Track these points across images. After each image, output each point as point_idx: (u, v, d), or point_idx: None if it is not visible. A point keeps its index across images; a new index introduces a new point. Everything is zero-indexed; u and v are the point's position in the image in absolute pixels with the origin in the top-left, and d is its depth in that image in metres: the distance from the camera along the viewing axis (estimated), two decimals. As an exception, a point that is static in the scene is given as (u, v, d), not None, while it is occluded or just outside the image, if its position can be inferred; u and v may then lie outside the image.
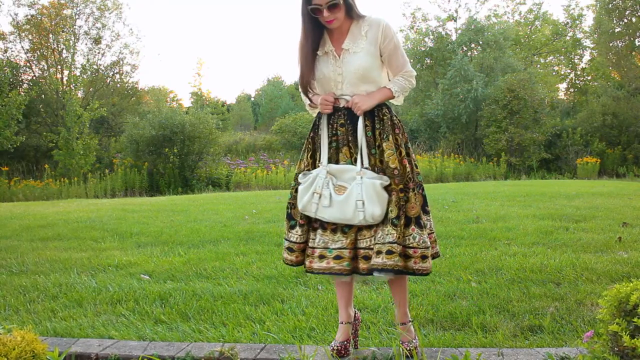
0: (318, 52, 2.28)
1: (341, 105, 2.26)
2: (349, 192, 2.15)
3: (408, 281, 2.46)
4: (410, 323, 2.35)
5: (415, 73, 2.35)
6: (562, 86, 25.96)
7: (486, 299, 2.96)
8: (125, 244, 4.84)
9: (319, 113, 2.34)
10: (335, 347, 2.27)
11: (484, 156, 17.08)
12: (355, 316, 2.40)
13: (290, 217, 2.32)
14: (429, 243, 2.16)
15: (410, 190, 2.18)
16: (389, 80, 2.32)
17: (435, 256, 2.30)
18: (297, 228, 2.28)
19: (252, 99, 35.41)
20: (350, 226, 2.18)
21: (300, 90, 2.40)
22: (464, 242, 4.45)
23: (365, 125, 2.22)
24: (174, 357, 2.34)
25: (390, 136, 2.22)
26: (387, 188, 2.16)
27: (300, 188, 2.25)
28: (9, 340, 1.90)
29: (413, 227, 2.15)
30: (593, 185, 10.10)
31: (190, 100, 29.95)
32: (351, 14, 2.24)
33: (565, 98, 24.88)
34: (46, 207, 8.10)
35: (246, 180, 14.41)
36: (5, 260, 4.26)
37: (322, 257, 2.19)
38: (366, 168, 2.18)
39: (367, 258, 2.15)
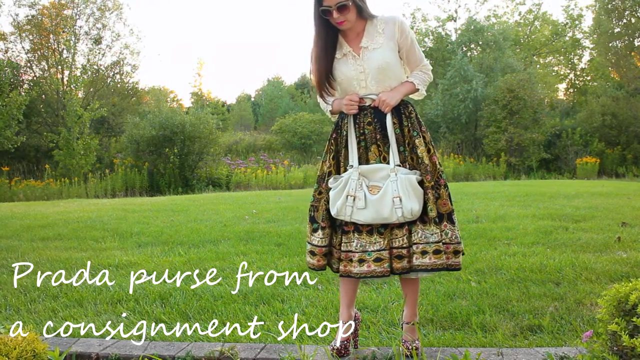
0: (336, 56, 2.27)
1: (367, 104, 2.24)
2: (383, 190, 2.13)
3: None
4: (417, 324, 2.35)
5: (431, 67, 2.37)
6: (562, 86, 26.00)
7: (486, 298, 2.96)
8: (126, 243, 4.85)
9: (341, 114, 2.32)
10: (335, 347, 2.27)
11: (484, 156, 17.09)
12: (355, 316, 2.41)
13: (313, 220, 2.29)
14: (459, 238, 2.20)
15: (442, 186, 2.20)
16: (407, 77, 2.34)
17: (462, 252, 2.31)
18: (320, 231, 2.25)
19: (252, 99, 35.40)
20: (385, 226, 2.17)
21: (317, 94, 2.37)
22: (463, 242, 4.45)
23: (393, 124, 2.22)
24: (174, 357, 2.35)
25: (419, 133, 2.24)
26: (421, 185, 2.17)
27: (332, 193, 2.21)
28: (9, 339, 1.91)
29: (445, 223, 2.18)
30: (592, 185, 10.11)
31: (190, 100, 30.00)
32: (363, 14, 2.24)
33: (564, 98, 24.90)
34: (47, 207, 8.11)
35: (246, 180, 14.41)
36: (5, 260, 4.26)
37: (362, 260, 2.16)
38: (398, 165, 2.17)
39: (401, 257, 2.16)
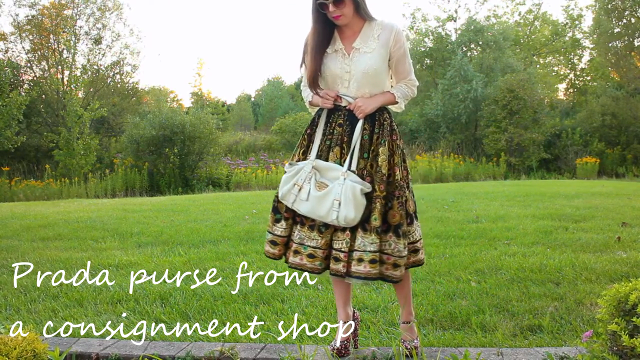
0: (328, 50, 2.27)
1: (342, 105, 2.25)
2: (328, 190, 2.14)
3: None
4: (413, 323, 2.35)
5: (417, 84, 2.37)
6: (562, 86, 26.00)
7: (486, 298, 2.96)
8: (126, 243, 4.85)
9: (318, 110, 2.34)
10: (335, 347, 2.27)
11: (484, 156, 17.09)
12: (354, 316, 2.41)
13: (276, 210, 2.32)
14: (404, 252, 2.15)
15: (395, 198, 2.16)
16: (391, 87, 2.33)
17: (416, 264, 2.30)
18: (282, 222, 2.28)
19: (252, 99, 35.40)
20: (327, 226, 2.17)
21: (305, 85, 2.39)
22: (463, 242, 4.46)
23: (364, 129, 2.21)
24: (174, 357, 2.35)
25: (387, 141, 2.21)
26: (370, 195, 2.15)
27: (283, 177, 2.26)
28: (10, 339, 1.91)
29: (391, 234, 2.14)
30: (592, 185, 10.11)
31: (190, 100, 29.99)
32: (360, 12, 2.24)
33: (564, 98, 24.91)
34: (47, 207, 8.11)
35: (246, 180, 14.41)
36: (5, 260, 4.26)
37: (296, 252, 2.21)
38: (352, 171, 2.16)
39: (337, 259, 2.14)
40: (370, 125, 2.23)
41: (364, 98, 2.22)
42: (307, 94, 2.39)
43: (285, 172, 2.27)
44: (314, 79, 2.28)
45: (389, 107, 2.33)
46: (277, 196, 2.32)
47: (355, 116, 2.22)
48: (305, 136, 2.33)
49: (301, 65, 2.38)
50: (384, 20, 2.27)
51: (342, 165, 2.19)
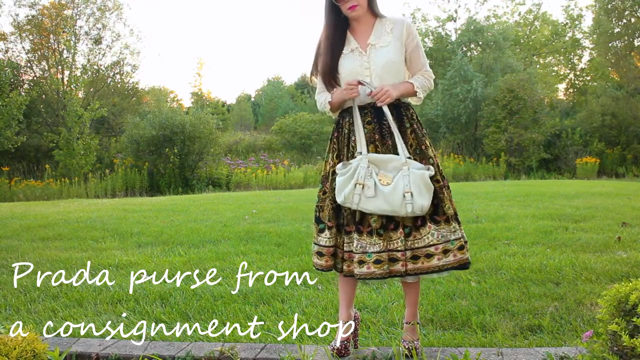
0: (344, 51, 2.26)
1: (367, 92, 2.19)
2: (394, 184, 2.10)
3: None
4: (418, 325, 2.35)
5: (434, 76, 2.35)
6: (562, 86, 26.00)
7: (486, 298, 2.96)
8: (126, 243, 4.85)
9: (342, 113, 2.32)
10: (335, 347, 2.27)
11: (484, 156, 17.09)
12: (355, 316, 2.41)
13: (319, 220, 2.27)
14: (463, 235, 2.20)
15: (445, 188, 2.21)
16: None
17: (431, 270, 2.25)
18: (326, 231, 2.23)
19: (252, 99, 35.39)
20: (385, 228, 2.14)
21: (320, 91, 2.34)
22: (463, 242, 4.46)
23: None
24: (174, 357, 2.35)
25: (421, 134, 2.24)
26: (438, 186, 2.17)
27: (339, 180, 2.16)
28: (9, 339, 1.91)
29: (453, 223, 2.20)
30: (592, 185, 10.11)
31: (190, 100, 29.98)
32: (374, 8, 2.26)
33: (564, 98, 24.90)
34: (47, 207, 8.11)
35: (246, 180, 14.41)
36: (5, 260, 4.26)
37: (361, 262, 2.13)
38: (409, 158, 2.15)
39: (395, 260, 2.13)
40: (398, 120, 2.22)
41: (387, 88, 2.16)
42: (324, 98, 2.32)
43: (338, 174, 2.18)
44: (332, 80, 2.26)
45: (409, 99, 2.32)
46: (318, 206, 2.27)
47: (382, 113, 2.19)
48: (334, 139, 2.31)
49: (312, 74, 2.37)
50: (393, 15, 2.29)
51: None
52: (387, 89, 2.15)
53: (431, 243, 2.13)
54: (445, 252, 2.14)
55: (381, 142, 2.20)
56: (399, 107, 2.25)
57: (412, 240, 2.14)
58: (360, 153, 2.18)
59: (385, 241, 2.14)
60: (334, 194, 2.21)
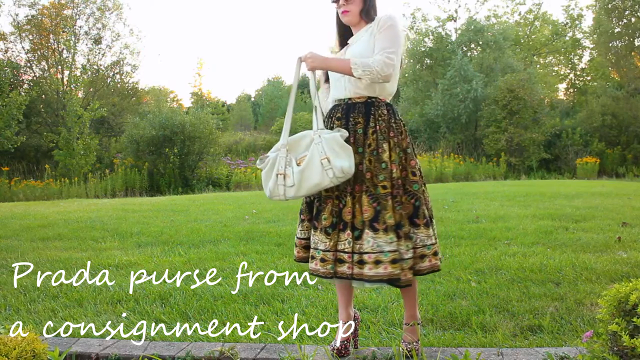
0: (339, 53, 2.34)
1: (340, 97, 2.25)
2: (310, 155, 2.09)
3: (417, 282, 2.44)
4: (419, 325, 2.34)
5: (392, 62, 2.10)
6: (562, 86, 26.01)
7: (486, 298, 2.96)
8: (126, 243, 4.84)
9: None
10: (335, 347, 2.27)
11: (484, 156, 17.10)
12: (355, 316, 2.41)
13: (300, 212, 2.33)
14: (406, 255, 2.08)
15: (393, 197, 2.11)
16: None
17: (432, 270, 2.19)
18: (301, 224, 2.29)
19: (252, 99, 35.41)
20: (334, 227, 2.13)
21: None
22: (463, 242, 4.46)
23: (358, 122, 2.20)
24: (174, 357, 2.34)
25: (384, 137, 2.17)
26: (375, 194, 2.10)
27: (262, 174, 2.19)
28: (9, 339, 1.91)
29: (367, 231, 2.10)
30: (592, 185, 10.11)
31: (190, 100, 29.98)
32: (367, 16, 2.25)
33: (564, 98, 24.91)
34: (47, 207, 8.11)
35: (246, 180, 14.41)
36: (5, 260, 4.26)
37: (312, 257, 2.18)
38: (321, 129, 2.15)
39: (342, 261, 2.11)
40: (364, 119, 2.20)
41: (314, 53, 2.21)
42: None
43: (261, 168, 2.21)
44: (326, 77, 2.36)
45: (388, 99, 2.28)
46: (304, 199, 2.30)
47: (352, 109, 2.21)
48: None
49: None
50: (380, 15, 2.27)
51: None
52: (310, 56, 2.19)
53: (366, 250, 2.08)
54: (377, 262, 2.06)
55: (347, 139, 2.20)
56: (369, 104, 2.22)
57: (360, 244, 2.09)
58: (281, 141, 2.21)
59: (332, 241, 2.13)
60: None
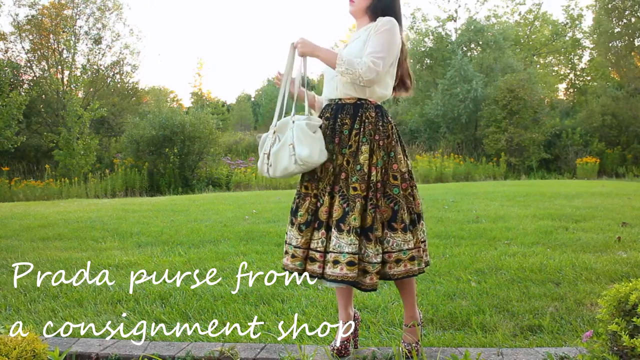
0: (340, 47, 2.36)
1: (331, 97, 2.28)
2: (283, 140, 2.17)
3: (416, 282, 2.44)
4: (419, 326, 2.34)
5: (378, 68, 2.08)
6: (562, 86, 26.01)
7: (486, 298, 2.96)
8: (126, 243, 4.84)
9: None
10: (335, 347, 2.27)
11: (484, 156, 17.10)
12: (355, 316, 2.41)
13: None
14: (374, 259, 2.08)
15: (368, 199, 2.11)
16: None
17: (408, 274, 2.17)
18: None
19: (252, 99, 35.40)
20: (308, 224, 2.16)
21: None
22: (463, 242, 4.46)
23: (344, 124, 2.20)
24: (174, 357, 2.35)
25: (369, 140, 2.15)
26: (345, 194, 2.11)
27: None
28: (9, 339, 1.91)
29: (362, 237, 2.11)
30: (592, 185, 10.11)
31: (190, 100, 29.97)
32: (375, 14, 2.25)
33: (564, 98, 24.91)
34: (47, 207, 8.11)
35: (246, 180, 14.41)
36: (5, 260, 4.26)
37: (286, 252, 2.23)
38: (297, 114, 2.19)
39: (313, 260, 2.14)
40: (351, 120, 2.20)
41: (306, 39, 2.24)
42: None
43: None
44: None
45: (382, 105, 2.28)
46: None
47: (340, 110, 2.23)
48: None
49: None
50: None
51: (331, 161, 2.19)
52: (301, 42, 2.22)
53: (330, 249, 2.10)
54: (335, 262, 2.08)
55: (330, 139, 2.21)
56: (358, 106, 2.22)
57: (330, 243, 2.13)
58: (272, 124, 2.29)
59: (304, 238, 2.16)
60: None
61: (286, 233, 2.33)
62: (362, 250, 2.10)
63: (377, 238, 2.10)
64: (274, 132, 2.25)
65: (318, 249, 2.12)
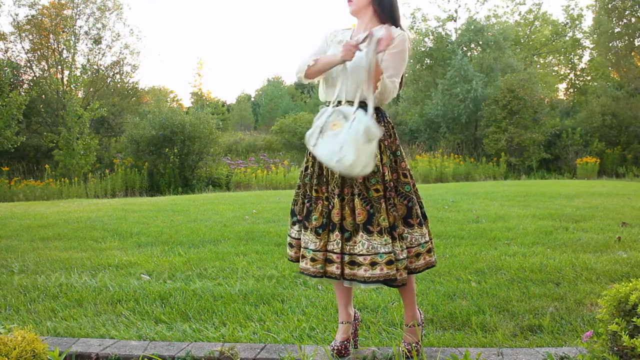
0: (339, 38, 2.30)
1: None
2: (339, 131, 2.06)
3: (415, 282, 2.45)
4: (420, 327, 2.34)
5: (395, 93, 2.17)
6: (562, 86, 26.00)
7: (486, 298, 2.96)
8: (126, 243, 4.84)
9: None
10: (335, 347, 2.27)
11: (484, 156, 17.10)
12: (355, 316, 2.41)
13: (292, 213, 2.33)
14: (401, 255, 2.11)
15: (387, 199, 2.14)
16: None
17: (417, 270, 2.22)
18: (297, 224, 2.30)
19: (252, 99, 35.40)
20: (324, 227, 2.16)
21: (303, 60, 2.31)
22: (463, 242, 4.46)
23: None
24: (174, 357, 2.35)
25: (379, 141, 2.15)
26: (368, 197, 2.11)
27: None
28: (9, 340, 1.91)
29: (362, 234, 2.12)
30: (592, 185, 10.11)
31: (190, 100, 30.00)
32: (382, 16, 2.25)
33: (564, 98, 24.90)
34: (47, 207, 8.11)
35: (246, 180, 14.41)
36: (5, 260, 4.26)
37: (303, 257, 2.22)
38: (361, 108, 2.08)
39: (331, 261, 2.15)
40: None
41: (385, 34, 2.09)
42: (303, 60, 2.27)
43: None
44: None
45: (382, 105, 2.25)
46: (294, 199, 2.33)
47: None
48: None
49: None
50: (397, 29, 2.21)
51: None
52: (386, 41, 2.04)
53: (360, 252, 2.11)
54: (373, 264, 2.09)
55: None
56: (359, 108, 2.19)
57: (351, 245, 2.13)
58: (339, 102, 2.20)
59: (322, 241, 2.16)
60: (306, 189, 2.26)
61: (288, 235, 2.34)
62: (366, 245, 2.13)
63: (399, 235, 2.15)
64: (334, 109, 2.14)
65: (335, 251, 2.14)
